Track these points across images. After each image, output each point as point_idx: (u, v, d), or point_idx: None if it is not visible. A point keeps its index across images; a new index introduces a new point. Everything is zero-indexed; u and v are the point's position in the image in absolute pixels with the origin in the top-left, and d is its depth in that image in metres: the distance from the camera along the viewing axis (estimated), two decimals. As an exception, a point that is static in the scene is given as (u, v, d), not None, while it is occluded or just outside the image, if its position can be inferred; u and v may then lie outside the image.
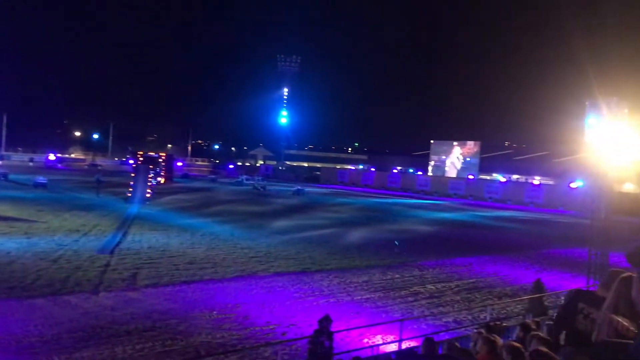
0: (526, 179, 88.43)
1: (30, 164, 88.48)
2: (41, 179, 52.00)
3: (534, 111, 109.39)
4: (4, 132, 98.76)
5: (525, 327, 7.73)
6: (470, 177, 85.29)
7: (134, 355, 11.88)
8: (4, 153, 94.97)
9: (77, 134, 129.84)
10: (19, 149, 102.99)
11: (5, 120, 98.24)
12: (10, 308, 14.49)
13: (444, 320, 15.76)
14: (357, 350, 11.66)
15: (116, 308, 15.15)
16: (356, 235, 32.49)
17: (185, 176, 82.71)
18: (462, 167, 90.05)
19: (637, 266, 2.18)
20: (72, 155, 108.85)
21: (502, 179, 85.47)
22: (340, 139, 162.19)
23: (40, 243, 23.60)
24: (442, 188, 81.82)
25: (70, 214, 33.34)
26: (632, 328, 2.54)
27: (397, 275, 21.68)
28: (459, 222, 44.37)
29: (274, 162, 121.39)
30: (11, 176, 57.62)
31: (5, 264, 19.42)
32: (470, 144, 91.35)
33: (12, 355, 11.38)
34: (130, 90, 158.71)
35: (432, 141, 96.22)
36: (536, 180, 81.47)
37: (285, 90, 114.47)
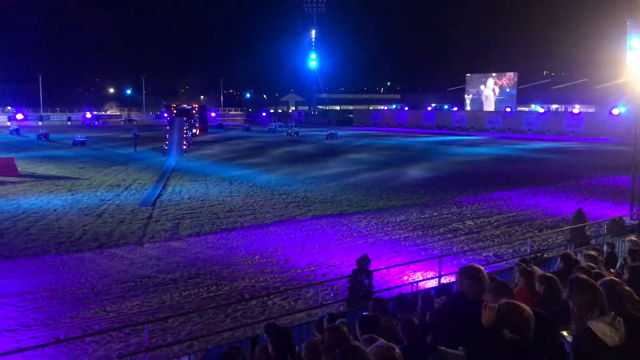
0: (565, 108, 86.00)
1: (69, 122, 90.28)
2: (80, 137, 53.29)
3: (572, 36, 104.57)
4: (41, 93, 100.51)
5: (566, 258, 7.62)
6: (508, 109, 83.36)
7: (181, 301, 12.30)
8: (43, 114, 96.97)
9: (111, 90, 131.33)
10: (57, 108, 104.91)
11: (41, 81, 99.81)
12: (61, 262, 15.12)
13: (484, 254, 15.74)
14: (397, 287, 11.79)
15: (161, 258, 15.63)
16: (392, 175, 32.39)
17: (220, 126, 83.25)
18: (499, 100, 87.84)
19: None
20: (108, 112, 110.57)
21: (541, 110, 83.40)
22: (372, 79, 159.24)
23: (84, 199, 24.33)
24: (479, 123, 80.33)
25: (111, 170, 34.16)
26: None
27: (435, 213, 21.64)
28: (497, 157, 43.70)
29: (306, 108, 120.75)
30: (52, 136, 59.08)
31: (53, 220, 20.16)
32: (507, 75, 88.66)
33: (68, 306, 11.93)
34: (159, 43, 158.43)
35: (467, 75, 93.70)
36: (576, 108, 79.10)
37: (313, 32, 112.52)
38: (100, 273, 14.16)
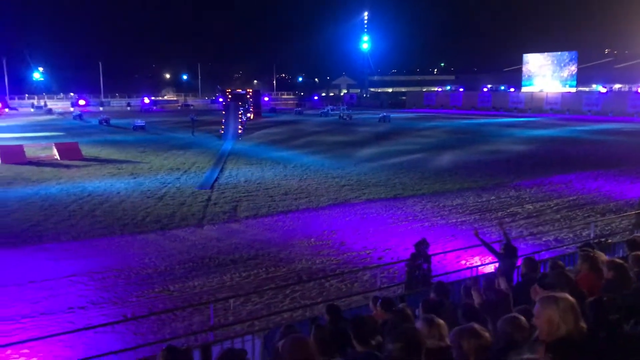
0: (629, 88, 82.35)
1: (128, 108, 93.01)
2: (140, 121, 54.97)
3: (636, 12, 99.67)
4: (101, 80, 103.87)
5: (632, 243, 7.41)
6: (567, 89, 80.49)
7: (241, 282, 12.63)
8: (103, 99, 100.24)
9: (167, 76, 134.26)
10: (116, 94, 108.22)
11: (101, 68, 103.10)
12: (126, 243, 15.74)
13: (544, 239, 15.41)
14: (454, 272, 11.74)
15: (221, 239, 16.04)
16: (447, 158, 31.99)
17: (273, 110, 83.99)
18: (557, 79, 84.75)
19: None
20: (165, 97, 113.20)
21: (603, 90, 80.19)
22: (425, 60, 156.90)
23: (146, 182, 25.16)
24: (537, 104, 78.06)
25: (170, 154, 35.13)
26: None
27: (492, 197, 21.28)
28: (556, 139, 42.41)
29: (358, 90, 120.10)
30: (112, 121, 61.10)
31: (117, 202, 20.96)
32: (566, 54, 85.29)
33: (133, 286, 12.44)
34: (214, 30, 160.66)
35: (524, 54, 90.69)
36: (641, 88, 75.66)
37: (366, 14, 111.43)
38: (163, 254, 14.68)
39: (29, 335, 9.49)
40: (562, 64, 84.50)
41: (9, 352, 8.99)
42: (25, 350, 9.08)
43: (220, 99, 74.55)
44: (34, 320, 10.60)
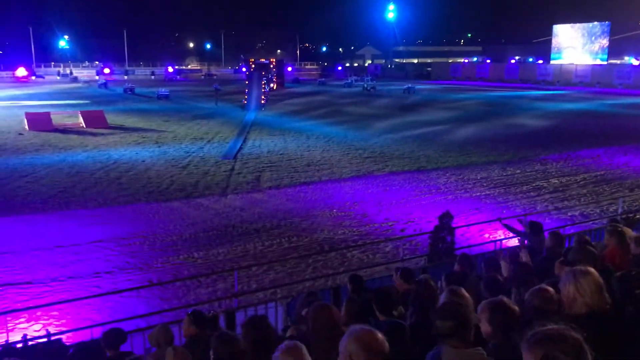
0: (664, 61, 79.98)
1: (152, 77, 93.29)
2: (164, 90, 55.13)
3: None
4: (126, 48, 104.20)
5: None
6: (598, 62, 78.43)
7: (264, 250, 12.76)
8: (128, 68, 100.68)
9: (191, 45, 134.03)
10: (141, 63, 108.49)
11: (125, 36, 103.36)
12: (152, 210, 15.97)
13: (569, 214, 15.22)
14: (478, 245, 11.68)
15: (244, 209, 16.17)
16: (472, 131, 31.60)
17: (296, 81, 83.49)
18: (588, 52, 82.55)
19: None
20: (189, 67, 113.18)
21: (635, 62, 77.96)
22: (452, 30, 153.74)
23: (170, 151, 25.38)
24: (566, 76, 76.27)
25: (194, 123, 35.31)
26: None
27: (517, 171, 21.03)
28: (585, 112, 41.54)
29: (383, 61, 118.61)
30: (137, 90, 61.43)
31: (142, 171, 21.21)
32: (598, 25, 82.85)
33: (158, 252, 12.66)
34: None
35: (554, 25, 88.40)
36: (676, 61, 73.46)
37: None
38: (188, 222, 14.86)
39: (57, 297, 9.76)
40: (593, 37, 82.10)
41: (39, 313, 9.26)
42: (55, 312, 9.34)
43: (244, 69, 74.35)
44: (63, 284, 10.88)
